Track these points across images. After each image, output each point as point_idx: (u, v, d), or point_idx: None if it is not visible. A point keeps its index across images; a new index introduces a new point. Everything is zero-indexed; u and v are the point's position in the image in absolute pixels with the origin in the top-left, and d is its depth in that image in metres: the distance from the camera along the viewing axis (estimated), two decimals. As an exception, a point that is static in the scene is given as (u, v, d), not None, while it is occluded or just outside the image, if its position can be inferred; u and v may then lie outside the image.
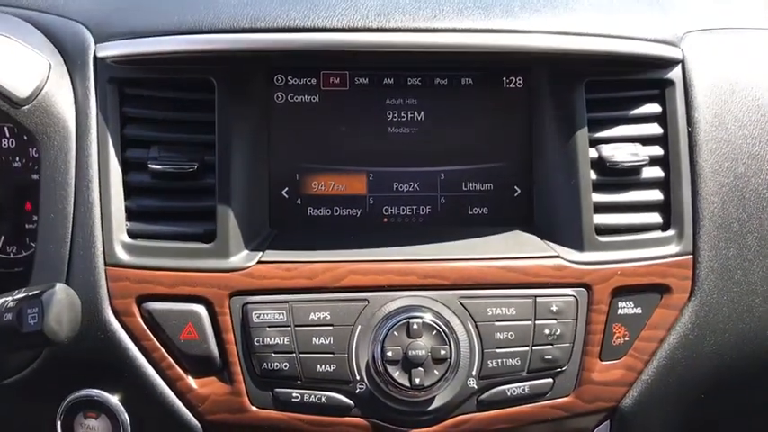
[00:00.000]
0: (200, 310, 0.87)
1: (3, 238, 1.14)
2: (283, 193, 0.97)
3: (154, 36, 0.92)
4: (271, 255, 0.90)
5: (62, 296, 0.73)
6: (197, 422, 0.86)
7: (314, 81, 0.97)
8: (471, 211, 0.98)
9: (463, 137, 0.98)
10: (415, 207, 0.98)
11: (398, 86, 0.98)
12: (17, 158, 1.13)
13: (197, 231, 0.91)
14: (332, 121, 0.98)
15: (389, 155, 0.98)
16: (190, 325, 0.86)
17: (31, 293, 0.74)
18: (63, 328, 0.73)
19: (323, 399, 0.86)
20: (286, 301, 0.87)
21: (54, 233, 0.88)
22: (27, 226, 1.13)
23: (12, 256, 1.14)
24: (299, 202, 0.97)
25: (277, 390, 0.86)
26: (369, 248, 0.92)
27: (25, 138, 1.09)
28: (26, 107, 0.90)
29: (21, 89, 0.90)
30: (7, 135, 1.11)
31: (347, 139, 0.98)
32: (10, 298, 0.75)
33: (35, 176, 1.12)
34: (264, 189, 0.96)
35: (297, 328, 0.86)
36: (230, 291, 0.87)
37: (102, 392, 0.87)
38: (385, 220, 0.98)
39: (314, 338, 0.86)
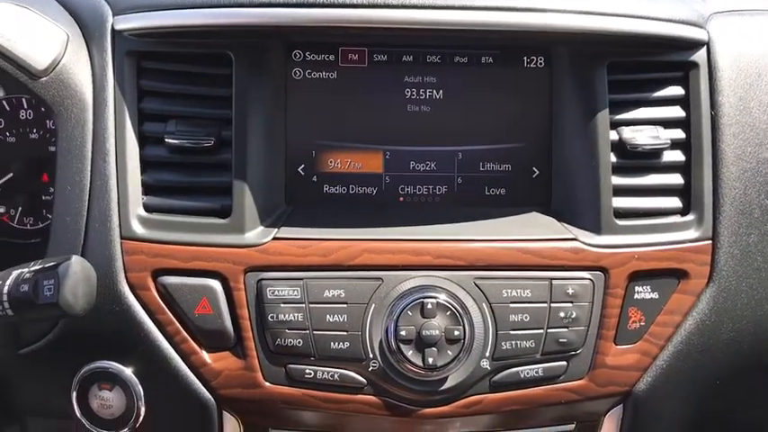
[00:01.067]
0: (215, 285, 0.87)
1: (20, 209, 1.14)
2: (299, 170, 0.97)
3: (172, 9, 0.91)
4: (286, 231, 0.90)
5: (77, 269, 0.73)
6: (210, 396, 0.87)
7: (332, 57, 0.97)
8: (488, 191, 0.98)
9: (482, 116, 0.97)
10: (431, 186, 0.97)
11: (417, 64, 0.97)
12: (34, 130, 1.13)
13: (213, 206, 0.91)
14: (349, 98, 0.97)
15: (407, 133, 0.97)
16: (204, 300, 0.86)
17: (46, 265, 0.74)
18: (78, 301, 0.73)
19: (335, 376, 0.86)
20: (301, 278, 0.87)
21: (70, 205, 0.89)
22: (44, 197, 1.14)
23: (29, 227, 1.15)
24: (314, 179, 0.97)
25: (290, 366, 0.87)
26: (384, 227, 0.91)
27: (42, 109, 1.09)
28: (44, 79, 0.90)
29: (39, 60, 0.90)
30: (25, 106, 1.12)
31: (364, 117, 0.97)
32: (26, 269, 0.75)
33: (52, 148, 1.13)
34: (281, 165, 0.96)
35: (311, 305, 0.86)
36: (245, 266, 0.87)
37: (116, 364, 0.87)
38: (401, 198, 0.98)
39: (328, 316, 0.86)
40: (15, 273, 0.75)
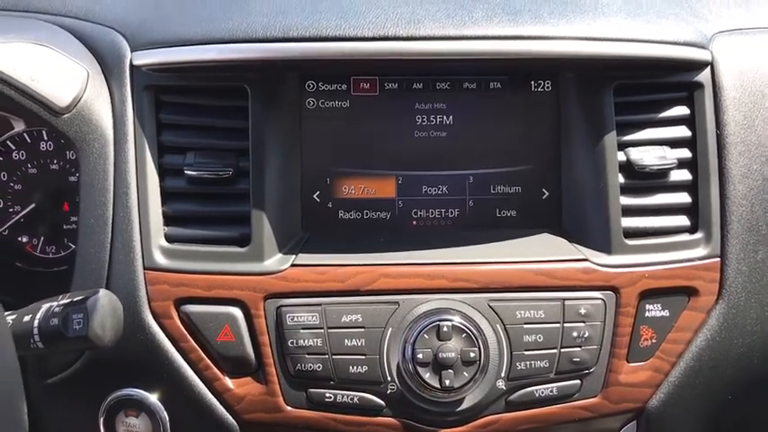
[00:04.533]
0: (236, 312, 0.89)
1: (42, 238, 1.17)
2: (315, 196, 0.99)
3: (189, 45, 0.94)
4: (304, 258, 0.92)
5: (105, 302, 0.76)
6: (233, 421, 0.89)
7: (344, 87, 0.99)
8: (500, 213, 1.00)
9: (491, 140, 1.00)
10: (443, 210, 1.00)
11: (427, 91, 1.00)
12: (55, 161, 1.16)
13: (232, 235, 0.93)
14: (362, 126, 0.99)
15: (418, 158, 0.99)
16: (226, 327, 0.89)
17: (75, 299, 0.77)
18: (107, 333, 0.76)
19: (355, 399, 0.89)
20: (319, 304, 0.89)
21: (94, 237, 0.91)
22: (65, 226, 1.17)
23: (51, 255, 1.18)
24: (330, 205, 0.99)
25: (311, 390, 0.89)
26: (399, 252, 0.94)
27: (62, 141, 1.12)
28: (66, 115, 0.93)
29: (61, 98, 0.93)
30: (45, 138, 1.15)
31: (377, 144, 0.99)
32: (55, 303, 0.78)
33: (72, 179, 1.16)
34: (297, 193, 0.98)
35: (329, 330, 0.88)
36: (265, 294, 0.89)
37: (141, 392, 0.90)
38: (414, 222, 1.00)
39: (346, 340, 0.88)
40: (45, 306, 0.78)
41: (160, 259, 0.91)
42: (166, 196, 0.94)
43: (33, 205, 1.16)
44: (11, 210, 1.16)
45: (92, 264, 0.91)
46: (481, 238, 0.96)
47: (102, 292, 0.77)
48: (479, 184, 0.99)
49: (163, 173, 0.94)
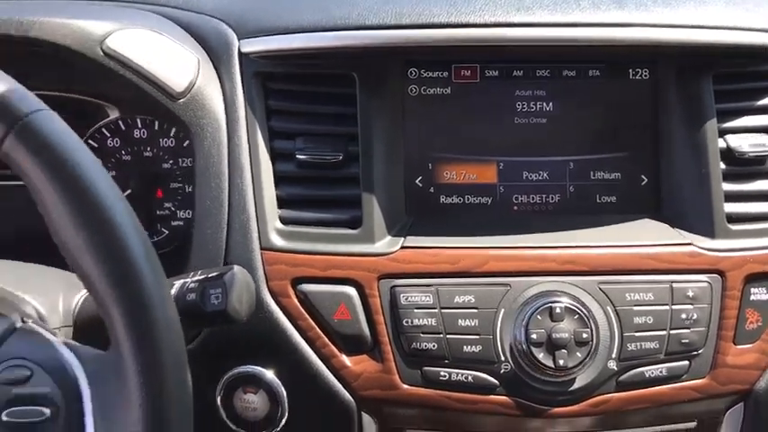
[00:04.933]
0: (352, 291, 0.91)
1: (139, 223, 1.20)
2: (417, 181, 1.01)
3: (298, 32, 0.96)
4: (412, 240, 0.94)
5: (241, 277, 0.78)
6: (351, 398, 0.91)
7: (446, 74, 1.01)
8: (600, 199, 1.01)
9: (590, 127, 1.01)
10: (544, 195, 1.01)
11: (527, 78, 1.01)
12: (148, 148, 1.18)
13: (343, 218, 0.95)
14: (463, 113, 1.01)
15: (519, 144, 1.01)
16: (342, 306, 0.91)
17: (210, 275, 0.79)
18: (243, 308, 0.78)
19: (469, 378, 0.90)
20: (432, 285, 0.91)
21: (211, 219, 0.94)
22: (158, 212, 1.19)
23: (145, 242, 1.20)
24: (431, 190, 1.01)
25: (425, 368, 0.91)
26: (505, 235, 0.95)
27: (155, 128, 1.15)
28: (182, 100, 0.96)
29: (177, 83, 0.95)
30: (139, 126, 1.17)
31: (478, 130, 1.01)
32: (189, 279, 0.80)
33: (166, 165, 1.18)
34: (400, 178, 1.00)
35: (443, 311, 0.90)
36: (379, 274, 0.91)
37: (259, 368, 0.92)
38: (515, 208, 1.02)
39: (460, 320, 0.90)
40: (178, 283, 0.80)
41: (277, 240, 0.93)
42: (279, 180, 0.96)
43: (129, 191, 1.18)
44: (103, 196, 1.19)
45: (209, 245, 0.93)
46: (582, 223, 0.98)
47: (237, 268, 0.79)
48: (580, 171, 1.01)
49: (274, 157, 0.97)
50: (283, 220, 0.95)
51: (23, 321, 0.69)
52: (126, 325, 0.58)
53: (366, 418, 0.92)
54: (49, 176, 0.59)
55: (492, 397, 0.91)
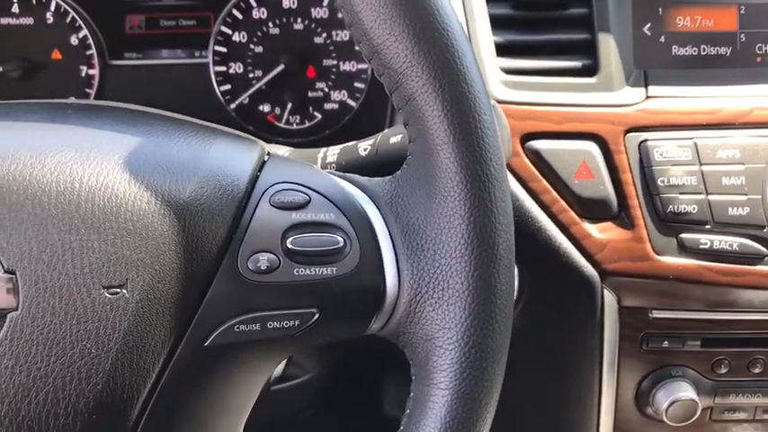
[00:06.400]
0: (593, 147, 0.78)
1: (289, 106, 1.08)
2: (645, 29, 0.87)
3: None
4: (658, 90, 0.80)
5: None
6: (594, 271, 0.79)
7: None
8: None
9: None
10: (795, 43, 0.87)
11: None
12: (299, 20, 1.06)
13: (573, 65, 0.82)
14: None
15: (763, -16, 0.86)
16: (584, 164, 0.78)
17: None
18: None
19: (734, 245, 0.77)
20: (689, 138, 0.78)
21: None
22: (310, 94, 1.08)
23: (295, 126, 1.09)
24: (662, 39, 0.87)
25: (682, 235, 0.78)
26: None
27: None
28: None
29: None
30: (287, -8, 1.05)
31: (714, -32, 0.86)
32: None
33: (318, 39, 1.06)
34: (628, 25, 0.86)
35: (704, 167, 0.77)
36: (625, 127, 0.78)
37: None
38: (758, 59, 0.87)
39: (723, 178, 0.77)
40: None
41: (501, 92, 0.80)
42: (494, 23, 0.83)
43: (282, 67, 1.06)
44: (251, 75, 1.07)
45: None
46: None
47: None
48: (840, 12, 0.86)
49: None
50: (505, 70, 0.82)
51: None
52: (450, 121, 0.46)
53: (608, 296, 0.80)
54: None
55: (758, 268, 0.78)
